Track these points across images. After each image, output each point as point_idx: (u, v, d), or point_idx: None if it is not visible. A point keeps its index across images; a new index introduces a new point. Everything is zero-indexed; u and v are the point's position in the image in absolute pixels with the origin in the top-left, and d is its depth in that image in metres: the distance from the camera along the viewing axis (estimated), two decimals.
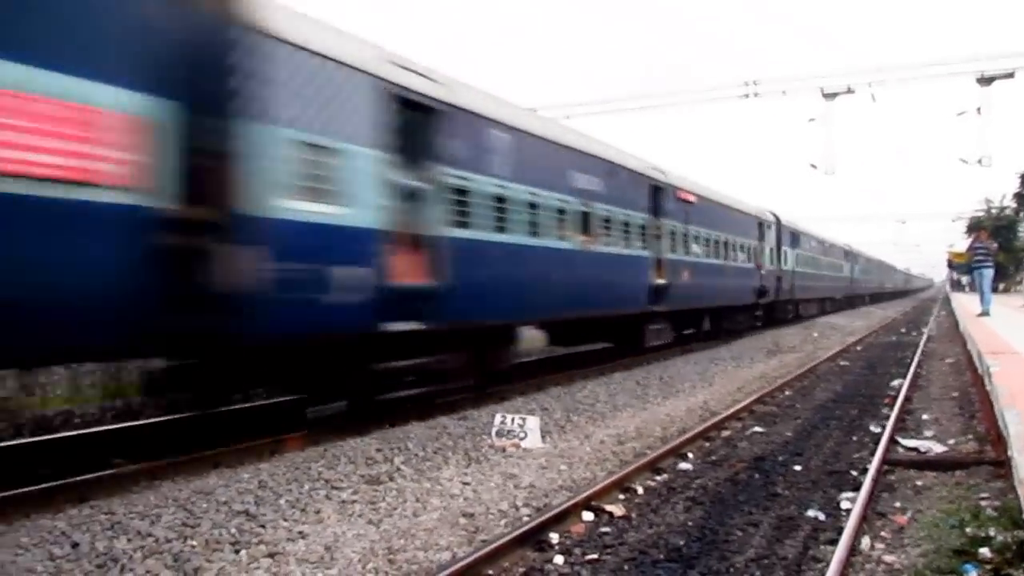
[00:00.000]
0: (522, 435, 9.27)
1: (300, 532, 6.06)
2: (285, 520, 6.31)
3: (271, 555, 5.59)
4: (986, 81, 23.39)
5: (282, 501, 6.70)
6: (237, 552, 5.63)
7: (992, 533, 5.74)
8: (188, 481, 7.25)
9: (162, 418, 9.69)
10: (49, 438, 8.94)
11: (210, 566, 5.37)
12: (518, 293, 12.68)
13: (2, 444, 8.59)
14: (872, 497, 7.11)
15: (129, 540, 5.64)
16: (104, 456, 8.11)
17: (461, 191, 10.96)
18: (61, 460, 7.84)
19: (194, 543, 5.69)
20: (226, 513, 6.30)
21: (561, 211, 13.93)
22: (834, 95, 25.76)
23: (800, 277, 34.26)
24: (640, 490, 7.54)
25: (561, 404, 11.93)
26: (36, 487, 6.72)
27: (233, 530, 5.98)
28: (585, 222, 14.79)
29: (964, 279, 75.07)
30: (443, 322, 10.38)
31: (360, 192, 9.07)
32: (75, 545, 5.48)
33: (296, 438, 8.87)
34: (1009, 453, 6.37)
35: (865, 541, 6.03)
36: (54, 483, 6.91)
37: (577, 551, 5.83)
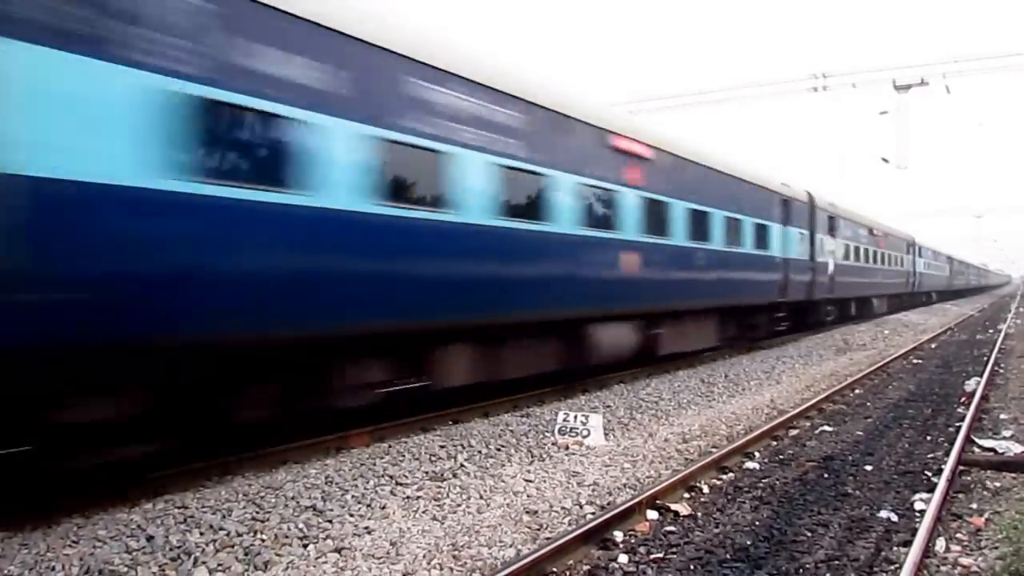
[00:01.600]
0: (585, 433, 9.24)
1: (366, 527, 6.14)
2: (351, 515, 6.40)
3: (338, 550, 5.68)
4: None
5: (348, 497, 6.80)
6: (305, 547, 5.73)
7: None
8: (257, 476, 7.40)
9: None
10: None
11: (279, 560, 5.48)
12: (857, 287, 29.41)
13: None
14: (947, 498, 6.91)
15: (202, 534, 5.78)
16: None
17: (847, 246, 27.36)
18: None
19: (264, 537, 5.81)
20: (294, 508, 6.42)
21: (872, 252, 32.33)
22: (907, 87, 25.11)
23: (923, 276, 48.55)
24: (706, 489, 7.45)
25: (624, 402, 11.86)
26: (114, 482, 6.92)
27: (301, 525, 6.08)
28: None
29: None
30: (825, 296, 24.90)
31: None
32: (150, 538, 5.64)
33: (361, 434, 8.98)
34: None
35: (940, 543, 5.87)
36: (130, 478, 7.10)
37: (642, 550, 5.79)
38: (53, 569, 5.12)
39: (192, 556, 5.42)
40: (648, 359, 14.73)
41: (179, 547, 5.54)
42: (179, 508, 6.27)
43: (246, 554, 5.52)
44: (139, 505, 6.43)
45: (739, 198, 17.71)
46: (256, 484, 7.02)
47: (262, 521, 6.09)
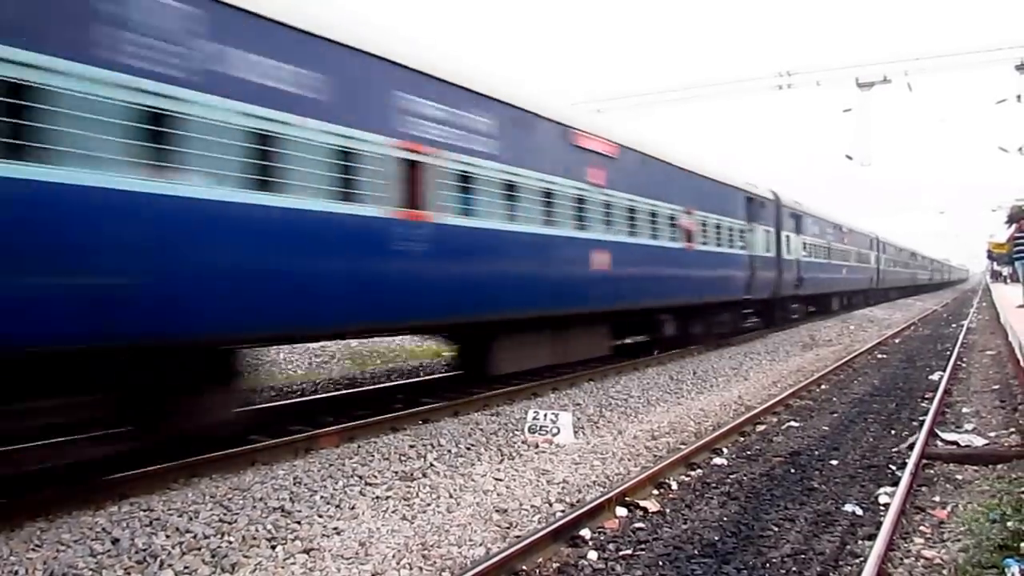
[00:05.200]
0: (555, 431, 9.26)
1: (335, 528, 6.11)
2: (320, 516, 6.37)
3: (307, 551, 5.64)
4: None
5: (317, 497, 6.76)
6: (273, 548, 5.69)
7: None
8: (225, 478, 7.34)
9: None
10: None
11: (247, 562, 5.44)
12: (893, 281, 55.38)
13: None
14: (911, 491, 7.01)
15: (168, 536, 5.72)
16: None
17: (889, 260, 53.41)
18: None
19: (231, 539, 5.76)
20: (262, 509, 6.37)
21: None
22: (870, 85, 25.41)
23: (919, 275, 69.17)
24: (674, 485, 7.50)
25: (593, 399, 11.90)
26: (77, 484, 6.82)
27: (269, 526, 6.04)
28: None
29: (1005, 270, 74.01)
30: (882, 286, 49.21)
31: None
32: (115, 541, 5.57)
33: (330, 435, 8.93)
34: None
35: (904, 536, 5.95)
36: (95, 479, 7.01)
37: (611, 547, 5.82)
38: (16, 574, 5.04)
39: (158, 559, 5.36)
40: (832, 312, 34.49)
41: (145, 550, 5.47)
42: (145, 511, 6.20)
43: (213, 556, 5.47)
44: (104, 508, 6.35)
45: (860, 241, 39.48)
46: (223, 486, 6.96)
47: (229, 523, 6.04)
